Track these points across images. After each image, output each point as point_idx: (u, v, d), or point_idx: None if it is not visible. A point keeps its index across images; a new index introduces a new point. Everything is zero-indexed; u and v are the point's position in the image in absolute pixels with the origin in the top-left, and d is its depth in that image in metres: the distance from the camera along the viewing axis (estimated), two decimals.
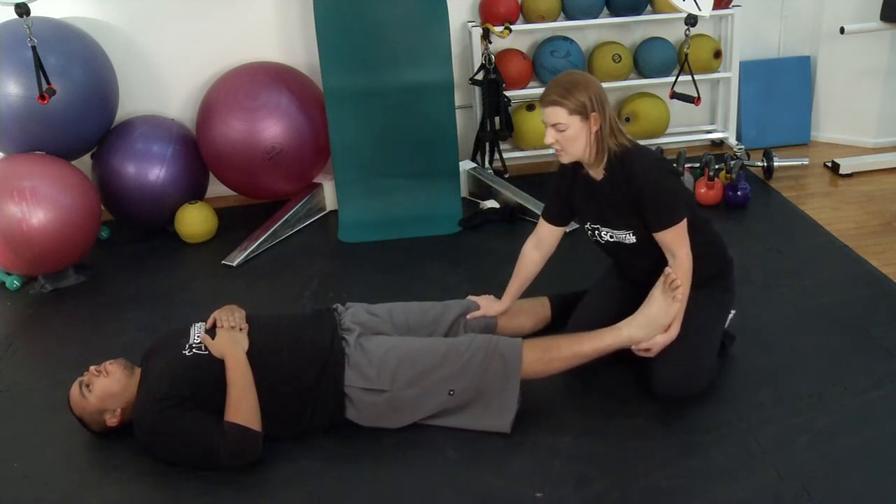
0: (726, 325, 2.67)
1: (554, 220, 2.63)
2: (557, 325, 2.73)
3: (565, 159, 2.42)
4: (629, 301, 2.48)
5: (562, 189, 2.58)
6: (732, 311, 2.70)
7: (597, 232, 2.53)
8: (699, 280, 2.43)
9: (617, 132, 2.38)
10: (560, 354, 2.38)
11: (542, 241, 2.66)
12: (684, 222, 2.37)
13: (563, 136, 2.33)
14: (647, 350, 2.39)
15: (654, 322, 2.37)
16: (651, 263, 2.46)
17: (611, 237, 2.50)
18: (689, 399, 2.42)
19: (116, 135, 3.79)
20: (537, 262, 2.67)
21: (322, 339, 2.39)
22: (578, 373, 2.58)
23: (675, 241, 2.37)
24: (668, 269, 2.36)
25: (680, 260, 2.38)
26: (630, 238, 2.45)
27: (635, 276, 2.58)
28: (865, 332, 2.71)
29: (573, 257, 3.01)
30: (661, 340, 2.37)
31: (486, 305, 2.67)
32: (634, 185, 2.35)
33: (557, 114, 2.31)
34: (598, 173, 2.44)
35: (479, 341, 2.38)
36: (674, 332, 2.38)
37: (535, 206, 3.75)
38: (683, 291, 2.36)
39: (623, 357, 2.47)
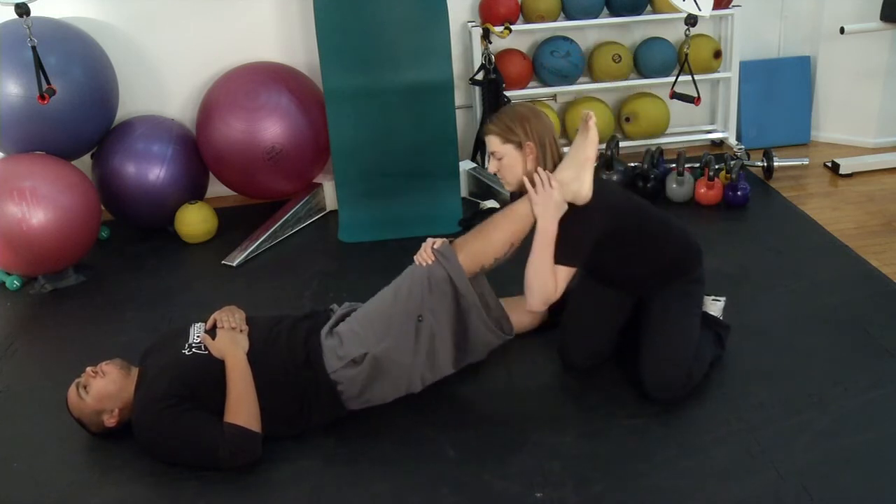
0: (720, 315, 2.69)
1: None
2: (556, 321, 2.73)
3: (507, 187, 2.47)
4: (611, 288, 2.58)
5: None
6: (723, 299, 2.72)
7: None
8: (663, 281, 2.50)
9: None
10: (493, 221, 2.40)
11: None
12: (568, 271, 2.35)
13: (501, 164, 2.40)
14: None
15: (577, 157, 2.34)
16: (616, 275, 2.56)
17: None
18: (687, 395, 2.43)
19: (116, 135, 3.79)
20: None
21: (316, 339, 2.40)
22: (579, 374, 2.59)
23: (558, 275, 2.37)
24: (584, 111, 2.38)
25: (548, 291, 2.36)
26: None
27: (614, 286, 2.62)
28: (865, 332, 2.71)
29: None
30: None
31: None
32: None
33: (492, 143, 2.40)
34: None
35: (418, 267, 2.38)
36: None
37: None
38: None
39: (622, 358, 2.47)
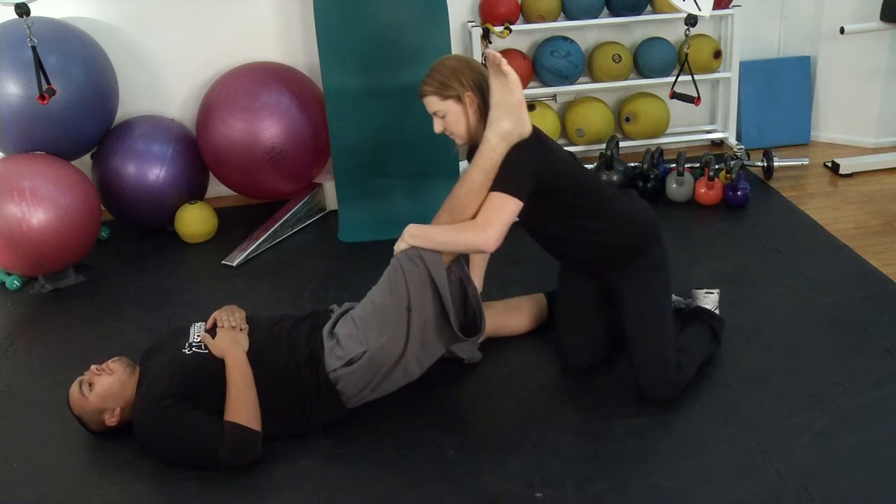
0: (714, 308, 2.68)
1: None
2: (554, 321, 2.73)
3: (459, 142, 2.45)
4: (597, 284, 2.55)
5: None
6: (716, 292, 2.72)
7: None
8: (617, 262, 2.43)
9: None
10: (461, 204, 2.32)
11: None
12: (509, 201, 2.26)
13: (446, 121, 2.38)
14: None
15: (507, 105, 2.30)
16: (566, 246, 2.48)
17: None
18: (686, 392, 2.43)
19: (116, 135, 3.79)
20: None
21: (316, 339, 2.40)
22: (579, 374, 2.59)
23: (489, 207, 2.28)
24: (488, 52, 2.33)
25: (477, 223, 2.28)
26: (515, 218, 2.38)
27: (569, 263, 2.58)
28: (865, 332, 2.71)
29: None
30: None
31: None
32: None
33: (431, 103, 2.38)
34: None
35: (396, 258, 2.37)
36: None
37: None
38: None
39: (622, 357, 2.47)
